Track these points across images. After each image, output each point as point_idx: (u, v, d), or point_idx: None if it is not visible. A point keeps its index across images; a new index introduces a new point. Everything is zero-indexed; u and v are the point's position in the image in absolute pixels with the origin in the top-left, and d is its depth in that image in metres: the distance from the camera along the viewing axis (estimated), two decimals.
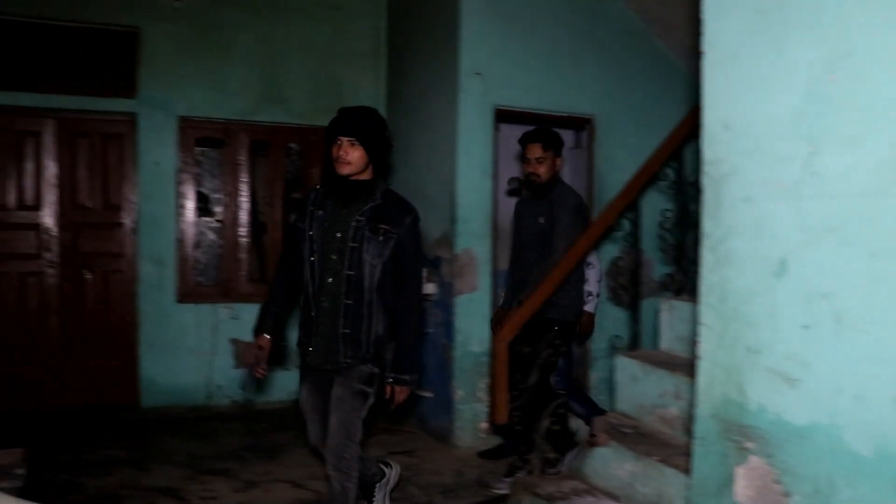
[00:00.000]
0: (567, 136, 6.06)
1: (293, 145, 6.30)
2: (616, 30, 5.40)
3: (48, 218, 5.70)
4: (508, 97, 5.04)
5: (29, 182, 5.66)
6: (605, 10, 5.36)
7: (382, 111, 6.08)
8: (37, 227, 5.68)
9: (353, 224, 3.00)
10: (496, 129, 5.08)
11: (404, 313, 3.08)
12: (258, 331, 3.18)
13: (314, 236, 3.06)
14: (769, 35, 2.03)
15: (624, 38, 5.43)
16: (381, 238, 3.00)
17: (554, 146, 4.18)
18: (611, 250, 5.10)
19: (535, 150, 4.15)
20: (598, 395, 5.24)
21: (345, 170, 2.97)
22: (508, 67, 5.04)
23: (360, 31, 6.21)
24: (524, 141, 4.20)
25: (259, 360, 3.12)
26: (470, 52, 4.93)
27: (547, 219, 4.13)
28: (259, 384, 2.83)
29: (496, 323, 4.43)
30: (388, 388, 3.07)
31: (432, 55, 5.32)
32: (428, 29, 5.43)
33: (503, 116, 5.08)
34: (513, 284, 4.39)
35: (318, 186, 3.19)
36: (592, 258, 4.27)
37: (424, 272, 3.31)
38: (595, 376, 5.35)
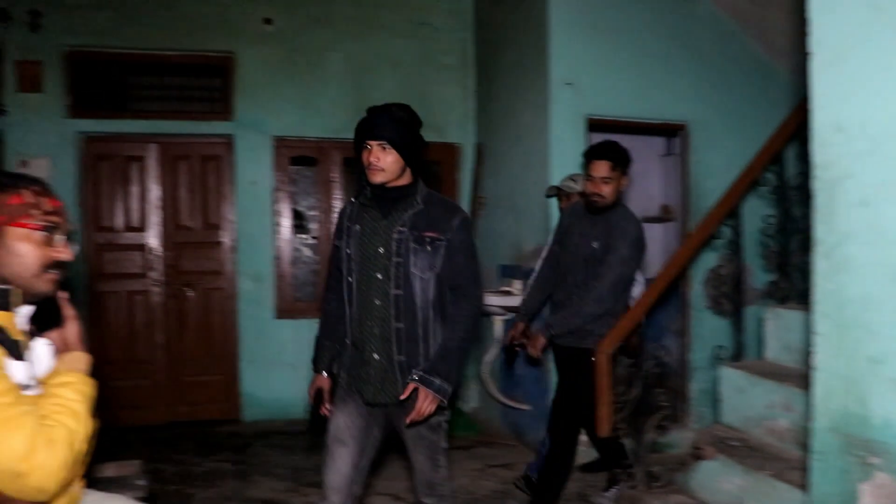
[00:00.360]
0: (657, 143, 6.00)
1: None
2: (708, 33, 5.30)
3: (153, 238, 5.93)
4: (600, 106, 5.01)
5: (135, 205, 5.91)
6: (697, 14, 5.27)
7: (472, 124, 6.14)
8: (142, 247, 5.92)
9: (396, 236, 2.66)
10: (588, 138, 5.02)
11: (454, 318, 2.66)
12: (316, 369, 2.87)
13: (353, 254, 2.73)
14: (885, 31, 1.95)
15: (717, 41, 5.32)
16: (428, 248, 2.64)
17: (622, 164, 3.72)
18: (709, 259, 4.98)
19: (602, 169, 3.68)
20: (698, 408, 5.12)
21: (378, 178, 2.62)
22: (599, 76, 5.00)
23: (447, 45, 6.26)
24: (590, 157, 3.75)
25: (322, 399, 2.85)
26: (560, 62, 4.91)
27: (602, 245, 3.68)
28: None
29: (520, 335, 4.14)
30: (410, 387, 2.58)
31: (521, 67, 5.33)
32: (516, 41, 5.44)
33: (595, 126, 5.03)
34: (545, 301, 4.10)
35: (353, 199, 2.86)
36: (638, 275, 4.02)
37: (483, 279, 2.83)
38: (695, 388, 5.21)
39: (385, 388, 2.69)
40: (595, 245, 3.69)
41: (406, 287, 2.63)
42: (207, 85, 6.07)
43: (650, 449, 4.18)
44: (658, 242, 5.92)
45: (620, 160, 3.70)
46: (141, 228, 5.94)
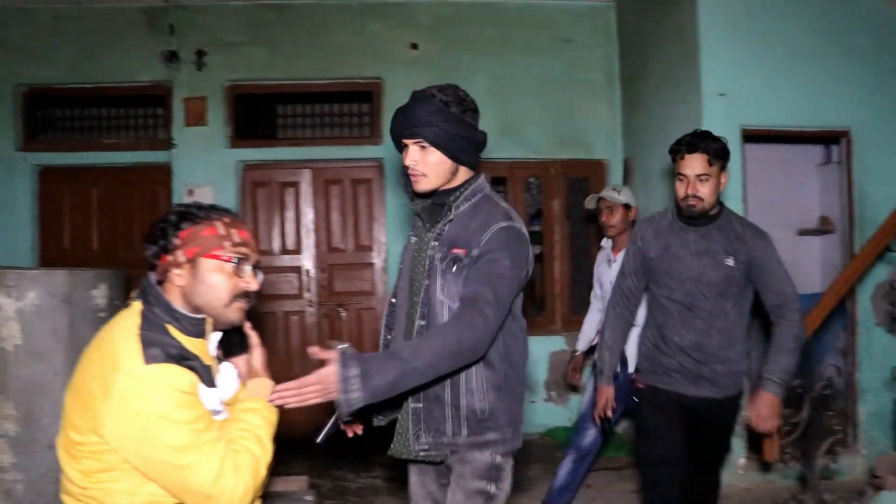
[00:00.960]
0: (814, 151, 5.73)
1: (532, 179, 6.41)
2: (873, 33, 5.09)
3: (307, 260, 6.19)
4: (754, 116, 4.88)
5: (290, 228, 6.20)
6: (860, 14, 5.08)
7: (619, 140, 6.10)
8: (298, 269, 6.19)
9: (429, 253, 2.18)
10: (743, 150, 4.86)
11: (438, 332, 2.02)
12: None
13: (402, 273, 2.35)
14: None
15: (883, 42, 5.11)
16: (454, 269, 2.12)
17: (722, 157, 2.98)
18: (879, 272, 4.71)
19: (697, 164, 2.93)
20: (869, 432, 4.84)
21: (421, 185, 2.17)
22: (753, 85, 4.88)
23: (592, 62, 6.28)
24: (679, 150, 3.01)
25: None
26: (712, 72, 4.81)
27: (742, 263, 2.96)
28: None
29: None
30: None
31: (670, 79, 5.26)
32: (663, 52, 5.37)
33: (749, 137, 4.90)
34: (658, 345, 3.14)
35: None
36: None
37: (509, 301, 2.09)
38: (864, 410, 4.91)
39: (401, 441, 2.26)
40: (730, 263, 2.93)
41: (430, 318, 2.15)
42: (356, 111, 6.31)
43: (821, 475, 3.98)
44: (816, 255, 5.68)
45: (719, 153, 2.95)
46: (296, 251, 6.23)
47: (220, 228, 1.77)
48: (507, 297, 2.05)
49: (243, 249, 1.80)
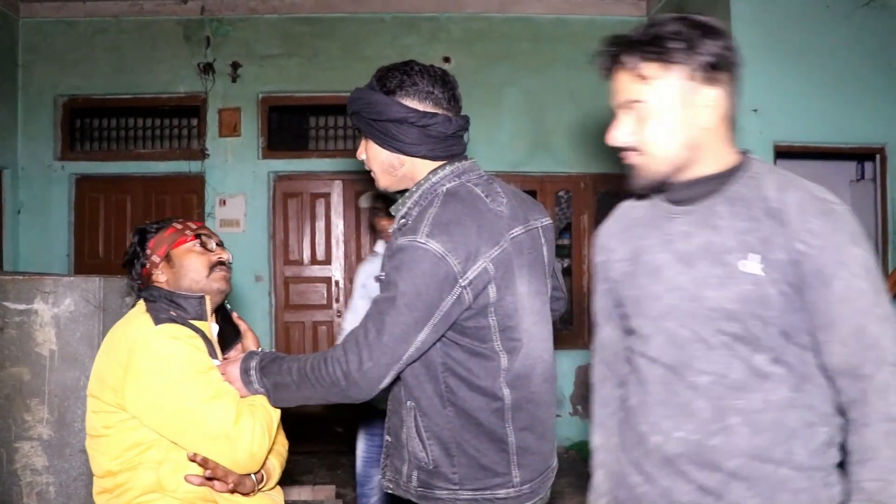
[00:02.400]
0: (847, 168, 5.68)
1: (562, 193, 6.40)
2: None
3: (336, 271, 6.24)
4: (787, 132, 4.86)
5: (320, 238, 6.27)
6: (895, 31, 4.95)
7: None
8: (327, 279, 6.22)
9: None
10: (776, 165, 4.82)
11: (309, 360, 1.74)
12: None
13: None
14: None
15: None
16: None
17: (669, 55, 1.53)
18: None
19: (622, 87, 1.62)
20: None
21: (377, 182, 1.88)
22: (787, 101, 4.86)
23: None
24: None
25: None
26: (745, 88, 4.70)
27: (779, 265, 1.48)
28: None
29: None
30: None
31: None
32: None
33: (782, 152, 4.87)
34: None
35: None
36: None
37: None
38: None
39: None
40: (753, 267, 1.43)
41: None
42: None
43: None
44: None
45: (659, 49, 1.54)
46: (326, 261, 6.28)
47: (177, 225, 2.04)
48: (399, 332, 1.61)
49: (202, 231, 2.06)
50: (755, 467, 1.45)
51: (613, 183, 6.28)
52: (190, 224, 2.06)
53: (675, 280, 1.52)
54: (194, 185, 6.21)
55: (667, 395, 1.53)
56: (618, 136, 1.61)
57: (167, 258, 1.99)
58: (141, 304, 1.96)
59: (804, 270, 1.41)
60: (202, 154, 6.17)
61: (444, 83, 1.81)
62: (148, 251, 2.00)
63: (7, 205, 6.09)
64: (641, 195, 1.69)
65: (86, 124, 6.46)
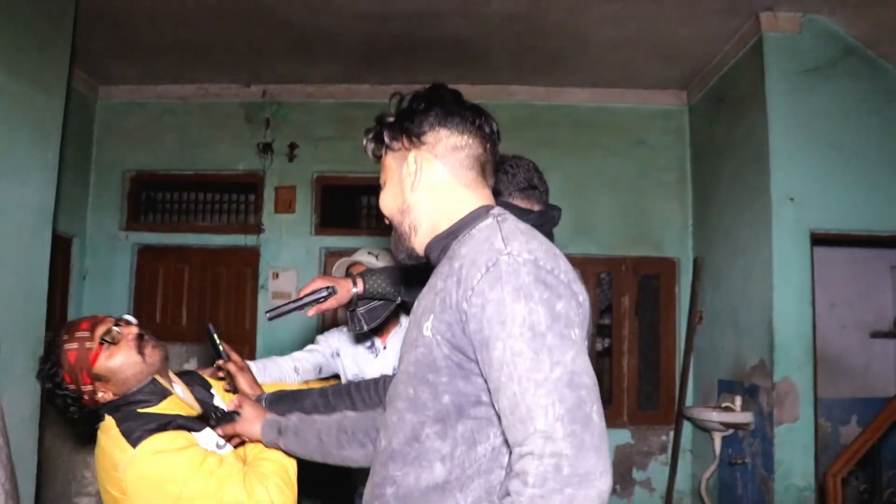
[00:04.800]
0: (887, 253, 5.73)
1: (603, 275, 6.50)
2: None
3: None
4: (824, 220, 4.94)
5: None
6: None
7: (689, 240, 6.20)
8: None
9: None
10: (811, 252, 4.90)
11: None
12: None
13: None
14: None
15: None
16: None
17: (393, 134, 1.66)
18: None
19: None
20: None
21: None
22: (823, 189, 4.97)
23: (664, 163, 6.43)
24: None
25: None
26: (781, 177, 4.92)
27: (446, 328, 1.55)
28: None
29: None
30: None
31: (741, 181, 5.38)
32: (734, 156, 5.51)
33: (819, 240, 4.95)
34: None
35: None
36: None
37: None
38: None
39: None
40: (427, 330, 1.47)
41: None
42: None
43: None
44: (891, 358, 5.59)
45: (389, 130, 1.62)
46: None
47: (72, 345, 1.92)
48: None
49: (97, 330, 1.95)
50: None
51: (653, 266, 6.38)
52: (79, 334, 1.93)
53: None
54: (249, 258, 6.48)
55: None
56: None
57: (95, 378, 1.92)
58: (106, 420, 1.92)
59: (469, 332, 1.33)
60: (258, 229, 6.45)
61: (540, 174, 2.29)
62: (73, 387, 1.92)
63: (74, 271, 6.40)
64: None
65: (150, 197, 6.79)
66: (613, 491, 6.10)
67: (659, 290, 6.47)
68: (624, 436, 6.22)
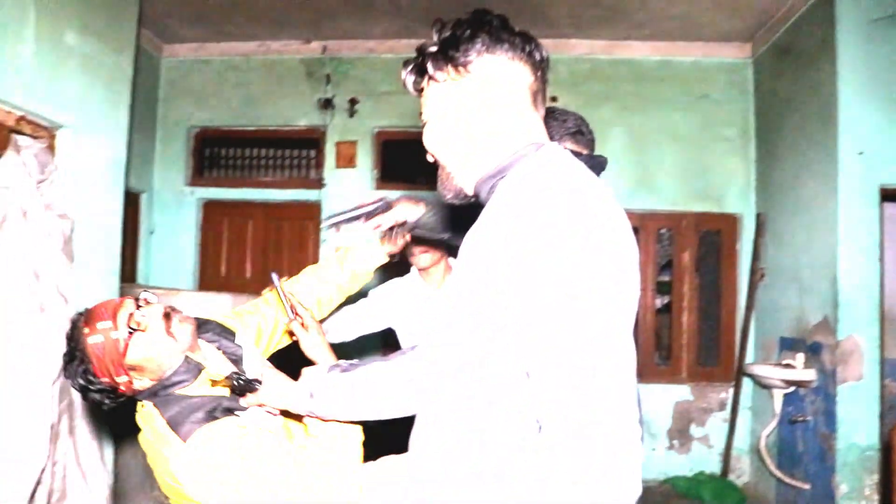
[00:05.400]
0: None
1: (663, 230, 6.45)
2: None
3: None
4: (894, 175, 4.74)
5: None
6: None
7: (752, 194, 6.10)
8: None
9: None
10: (881, 209, 4.79)
11: None
12: None
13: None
14: None
15: None
16: None
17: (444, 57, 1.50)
18: None
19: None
20: None
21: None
22: (893, 143, 4.76)
23: (727, 117, 6.32)
24: None
25: None
26: (849, 132, 4.80)
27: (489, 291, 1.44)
28: None
29: None
30: None
31: (806, 135, 5.27)
32: (800, 110, 5.40)
33: (888, 195, 4.83)
34: None
35: None
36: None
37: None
38: None
39: None
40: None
41: None
42: None
43: None
44: None
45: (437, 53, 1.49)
46: None
47: (97, 337, 1.79)
48: None
49: (120, 317, 1.82)
50: None
51: (715, 222, 6.31)
52: (100, 323, 1.79)
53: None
54: (311, 213, 6.59)
55: None
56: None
57: (129, 369, 1.80)
58: (145, 407, 1.83)
59: (513, 283, 1.25)
60: (320, 184, 6.54)
61: (587, 124, 2.27)
62: (107, 380, 1.80)
63: (142, 226, 6.59)
64: None
65: (214, 153, 6.92)
66: (671, 446, 6.13)
67: (720, 246, 6.39)
68: (683, 392, 6.22)
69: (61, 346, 3.19)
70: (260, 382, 1.79)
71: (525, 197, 1.27)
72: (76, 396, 3.42)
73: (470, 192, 1.51)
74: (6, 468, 2.88)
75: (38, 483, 3.00)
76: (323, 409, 1.75)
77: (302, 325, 2.12)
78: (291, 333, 2.17)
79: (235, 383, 1.77)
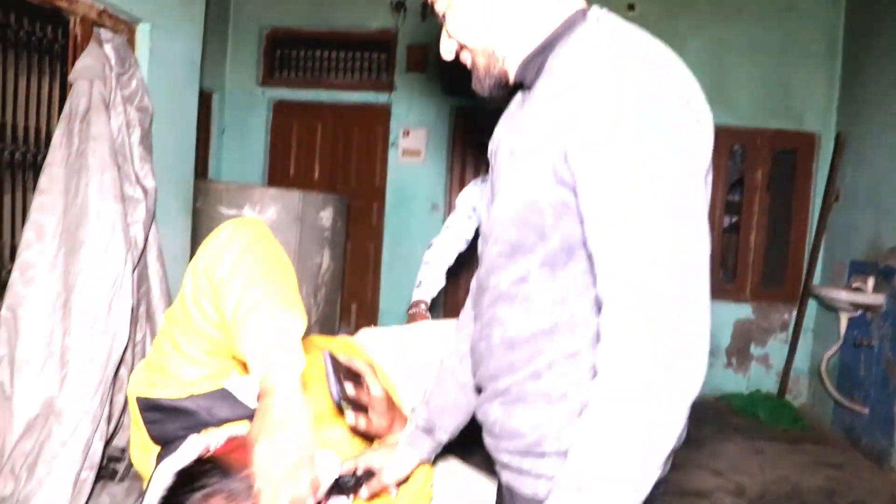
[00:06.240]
0: None
1: (736, 147, 6.31)
2: None
3: None
4: None
5: None
6: None
7: (833, 114, 5.94)
8: None
9: None
10: None
11: None
12: None
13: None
14: None
15: None
16: None
17: None
18: None
19: None
20: None
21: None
22: None
23: (813, 31, 6.07)
24: None
25: None
26: None
27: (552, 166, 1.22)
28: None
29: None
30: None
31: None
32: (894, 25, 5.10)
33: None
34: None
35: None
36: None
37: None
38: None
39: None
40: (536, 172, 1.21)
41: None
42: None
43: None
44: None
45: None
46: None
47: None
48: None
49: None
50: (511, 390, 1.28)
51: (791, 140, 6.15)
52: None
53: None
54: (380, 116, 6.61)
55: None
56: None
57: None
58: None
59: (571, 163, 1.11)
60: (390, 87, 6.54)
61: None
62: None
63: (214, 125, 6.72)
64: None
65: (285, 54, 6.94)
66: (729, 364, 6.17)
67: (795, 165, 6.22)
68: (745, 311, 6.20)
69: (141, 234, 3.37)
70: (372, 474, 1.53)
71: (597, 67, 1.08)
72: (154, 283, 3.60)
73: (513, 79, 1.30)
74: (93, 349, 3.06)
75: (120, 362, 3.18)
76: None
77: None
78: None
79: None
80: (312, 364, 1.41)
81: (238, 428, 1.42)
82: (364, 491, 1.50)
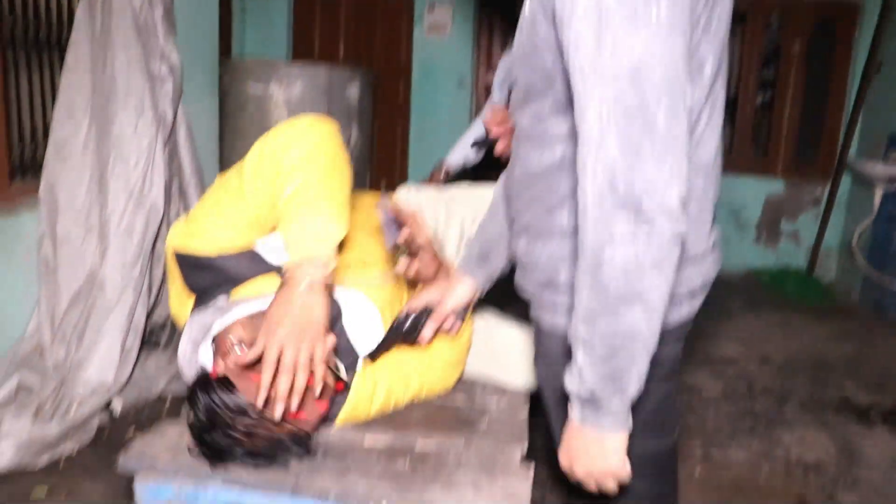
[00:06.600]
0: None
1: (772, 17, 6.08)
2: None
3: None
4: None
5: None
6: None
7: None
8: None
9: None
10: None
11: None
12: None
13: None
14: None
15: None
16: None
17: None
18: None
19: None
20: None
21: None
22: None
23: None
24: None
25: None
26: None
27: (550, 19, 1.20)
28: None
29: None
30: None
31: None
32: None
33: None
34: None
35: None
36: None
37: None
38: None
39: None
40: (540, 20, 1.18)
41: None
42: None
43: None
44: None
45: None
46: None
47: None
48: None
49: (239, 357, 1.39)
50: (528, 223, 1.35)
51: (831, 11, 5.92)
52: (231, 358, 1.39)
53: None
54: None
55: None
56: None
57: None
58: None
59: (553, 7, 1.08)
60: None
61: None
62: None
63: (236, 2, 6.57)
64: None
65: None
66: (758, 239, 6.17)
67: (834, 36, 6.01)
68: (776, 186, 6.14)
69: (169, 112, 3.38)
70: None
71: None
72: (185, 161, 3.64)
73: None
74: (131, 222, 3.14)
75: (156, 237, 3.27)
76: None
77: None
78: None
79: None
80: (358, 216, 1.74)
81: (254, 305, 1.51)
82: (427, 330, 1.60)
